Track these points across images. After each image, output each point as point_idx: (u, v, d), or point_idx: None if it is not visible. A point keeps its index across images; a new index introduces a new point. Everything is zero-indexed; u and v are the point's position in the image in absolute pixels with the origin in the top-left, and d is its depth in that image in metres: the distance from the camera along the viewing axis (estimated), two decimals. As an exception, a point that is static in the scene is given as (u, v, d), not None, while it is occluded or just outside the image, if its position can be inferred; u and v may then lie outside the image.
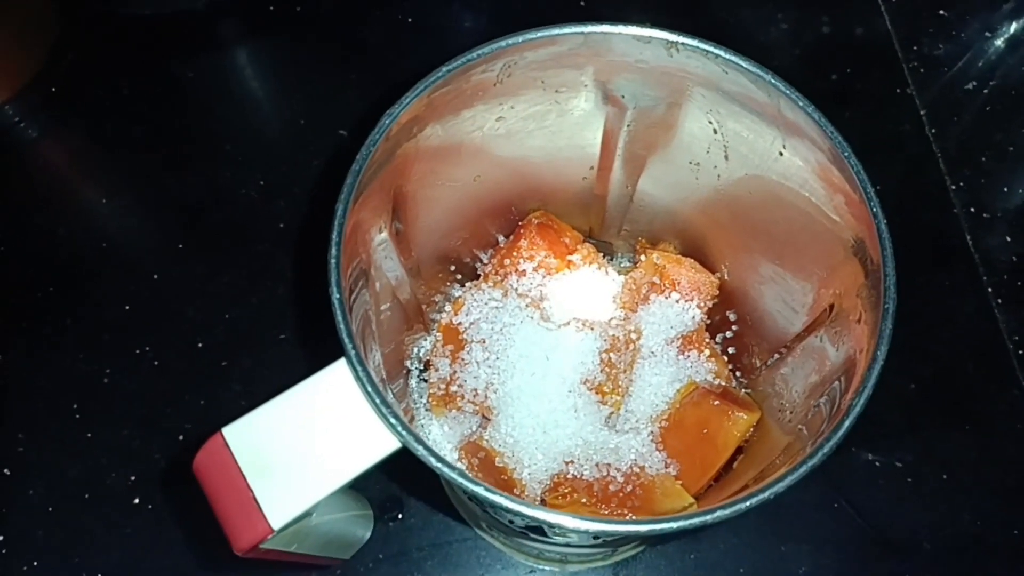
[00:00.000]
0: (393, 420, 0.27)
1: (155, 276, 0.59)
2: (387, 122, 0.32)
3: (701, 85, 0.34)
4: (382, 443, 0.28)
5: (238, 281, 0.59)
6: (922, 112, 0.62)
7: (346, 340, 0.28)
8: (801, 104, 0.31)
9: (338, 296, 0.29)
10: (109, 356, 0.57)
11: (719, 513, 0.25)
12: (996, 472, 0.52)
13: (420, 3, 0.68)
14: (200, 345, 0.57)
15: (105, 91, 0.65)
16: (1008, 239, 0.58)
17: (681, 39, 0.33)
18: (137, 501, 0.53)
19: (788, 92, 0.31)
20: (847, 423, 0.27)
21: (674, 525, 0.25)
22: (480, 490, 0.25)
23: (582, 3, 0.67)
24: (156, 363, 0.57)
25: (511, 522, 0.39)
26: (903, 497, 0.52)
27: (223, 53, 0.67)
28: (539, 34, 0.33)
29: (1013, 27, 0.65)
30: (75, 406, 0.55)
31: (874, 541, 0.51)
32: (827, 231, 0.33)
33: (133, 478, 0.54)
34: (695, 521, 0.25)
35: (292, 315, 0.58)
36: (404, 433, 0.27)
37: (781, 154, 0.34)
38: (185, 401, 0.56)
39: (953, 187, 0.60)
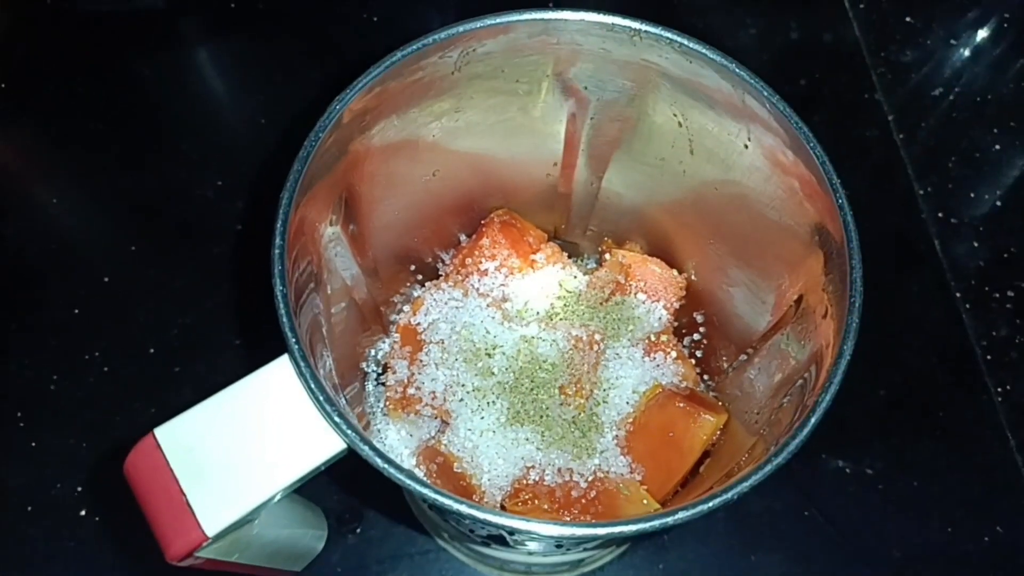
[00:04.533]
0: (337, 419, 0.25)
1: (106, 279, 0.57)
2: (337, 107, 0.30)
3: (665, 76, 0.33)
4: (326, 445, 0.26)
5: (193, 284, 0.57)
6: (890, 118, 0.62)
7: (289, 334, 0.26)
8: (766, 94, 0.30)
9: (282, 289, 0.27)
10: (57, 361, 0.55)
11: (680, 515, 0.24)
12: (965, 478, 0.51)
13: (386, 2, 0.67)
14: (152, 351, 0.55)
15: (58, 88, 0.63)
16: (975, 244, 0.58)
17: (644, 27, 0.32)
18: (84, 512, 0.51)
19: (752, 81, 0.31)
20: (812, 420, 0.25)
21: (632, 528, 0.24)
22: (428, 492, 0.24)
23: (551, 4, 0.66)
24: (106, 369, 0.55)
25: (471, 531, 0.38)
26: (873, 504, 0.51)
27: (183, 51, 0.66)
28: (498, 20, 0.32)
29: (977, 35, 0.65)
30: (19, 413, 0.53)
31: (844, 549, 0.50)
32: (793, 226, 0.32)
33: (80, 488, 0.52)
34: (654, 523, 0.24)
35: (248, 320, 0.56)
36: (349, 432, 0.25)
37: (746, 147, 0.33)
38: (135, 408, 0.54)
39: (921, 192, 0.59)
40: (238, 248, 0.58)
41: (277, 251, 0.28)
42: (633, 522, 0.24)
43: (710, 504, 0.24)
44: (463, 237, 0.45)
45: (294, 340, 0.26)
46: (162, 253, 0.58)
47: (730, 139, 0.33)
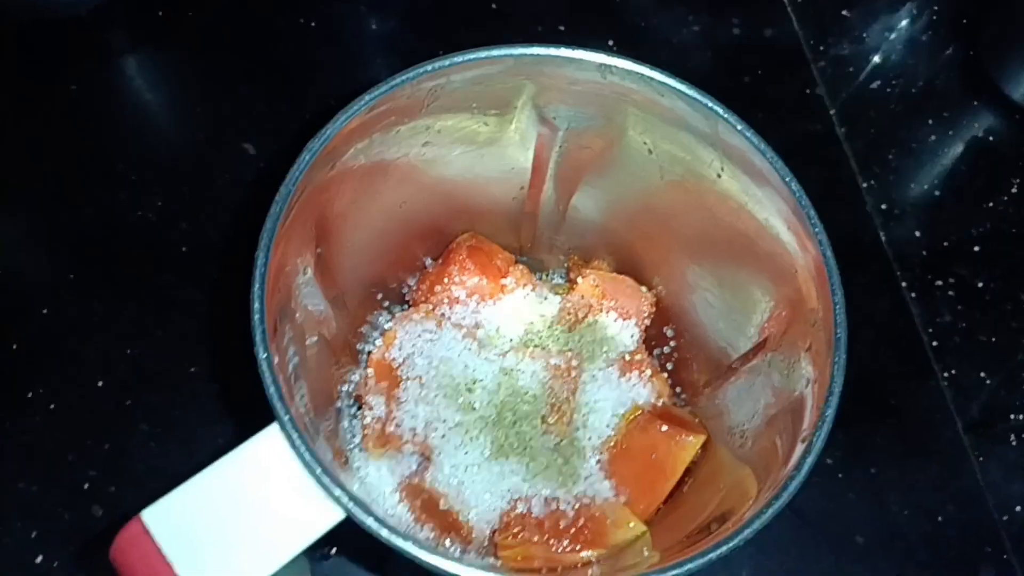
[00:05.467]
0: (338, 493, 0.25)
1: (44, 311, 0.54)
2: (307, 158, 0.29)
3: (636, 106, 0.33)
4: (324, 516, 0.26)
5: (140, 314, 0.55)
6: (832, 112, 0.63)
7: (278, 405, 0.26)
8: (740, 128, 0.31)
9: (265, 355, 0.26)
10: (-3, 402, 0.52)
11: (689, 566, 0.24)
12: (919, 463, 0.54)
13: (324, 8, 0.65)
14: (100, 384, 0.53)
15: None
16: (917, 234, 0.60)
17: (614, 62, 0.32)
18: (40, 559, 0.49)
19: (726, 116, 0.31)
20: (809, 460, 0.26)
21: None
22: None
23: (493, 6, 0.65)
24: (52, 406, 0.52)
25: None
26: (834, 493, 0.53)
27: (110, 64, 0.62)
28: (467, 57, 0.31)
29: (911, 28, 0.67)
30: (-41, 461, 0.50)
31: (812, 538, 0.51)
32: (769, 254, 0.33)
33: (34, 534, 0.49)
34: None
35: (203, 347, 0.54)
36: (352, 506, 0.25)
37: (719, 176, 0.33)
38: (88, 446, 0.51)
39: (864, 185, 0.61)
40: (186, 273, 0.56)
41: (256, 316, 0.27)
42: None
43: (718, 551, 0.25)
44: (428, 261, 0.44)
45: (284, 411, 0.26)
46: (104, 282, 0.55)
47: (703, 168, 0.34)
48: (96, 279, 0.55)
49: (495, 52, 0.31)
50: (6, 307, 0.54)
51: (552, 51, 0.31)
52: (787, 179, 0.30)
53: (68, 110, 0.60)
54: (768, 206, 0.32)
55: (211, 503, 0.26)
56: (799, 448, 0.27)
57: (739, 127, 0.30)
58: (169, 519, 0.25)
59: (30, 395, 0.52)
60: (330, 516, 0.26)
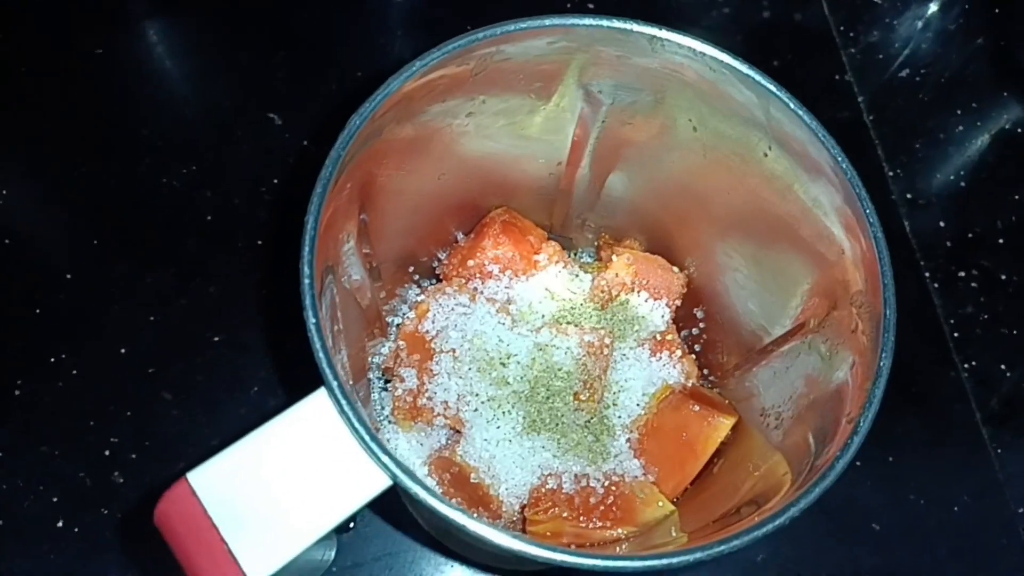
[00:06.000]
0: (386, 459, 0.25)
1: (68, 276, 0.54)
2: (357, 122, 0.29)
3: (683, 82, 0.33)
4: (371, 481, 0.26)
5: (164, 280, 0.54)
6: (860, 100, 0.63)
7: (327, 371, 0.25)
8: (793, 106, 0.30)
9: (315, 321, 0.26)
10: (20, 365, 0.52)
11: (735, 543, 0.24)
12: (938, 451, 0.54)
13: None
14: (123, 351, 0.53)
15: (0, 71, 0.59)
16: (942, 224, 0.60)
17: (666, 35, 0.31)
18: (61, 524, 0.49)
19: (780, 94, 0.30)
20: (856, 441, 0.26)
21: (689, 558, 0.24)
22: (535, 549, 0.23)
23: (567, 6, 0.64)
24: (75, 371, 0.52)
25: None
26: (853, 481, 0.53)
27: (134, 28, 0.62)
28: (520, 25, 0.31)
29: (941, 17, 0.67)
30: (-18, 423, 0.50)
31: (828, 527, 0.52)
32: (814, 235, 0.33)
33: (55, 499, 0.49)
34: (711, 552, 0.24)
35: (227, 316, 0.54)
36: (400, 474, 0.25)
37: (766, 155, 0.33)
38: (110, 413, 0.51)
39: (891, 174, 0.61)
40: (210, 241, 0.56)
41: (307, 281, 0.26)
42: (684, 553, 0.24)
43: (764, 529, 0.25)
44: (460, 235, 0.44)
45: (332, 376, 0.25)
46: (127, 248, 0.55)
47: (749, 147, 0.33)
48: (119, 245, 0.55)
49: (548, 22, 0.31)
50: (30, 272, 0.54)
51: (604, 22, 0.31)
52: (839, 159, 0.30)
53: (91, 75, 0.60)
54: (815, 186, 0.31)
55: (257, 467, 0.26)
56: (844, 430, 0.27)
57: (792, 105, 0.30)
58: (215, 481, 0.25)
59: (53, 360, 0.52)
60: (374, 484, 0.26)
